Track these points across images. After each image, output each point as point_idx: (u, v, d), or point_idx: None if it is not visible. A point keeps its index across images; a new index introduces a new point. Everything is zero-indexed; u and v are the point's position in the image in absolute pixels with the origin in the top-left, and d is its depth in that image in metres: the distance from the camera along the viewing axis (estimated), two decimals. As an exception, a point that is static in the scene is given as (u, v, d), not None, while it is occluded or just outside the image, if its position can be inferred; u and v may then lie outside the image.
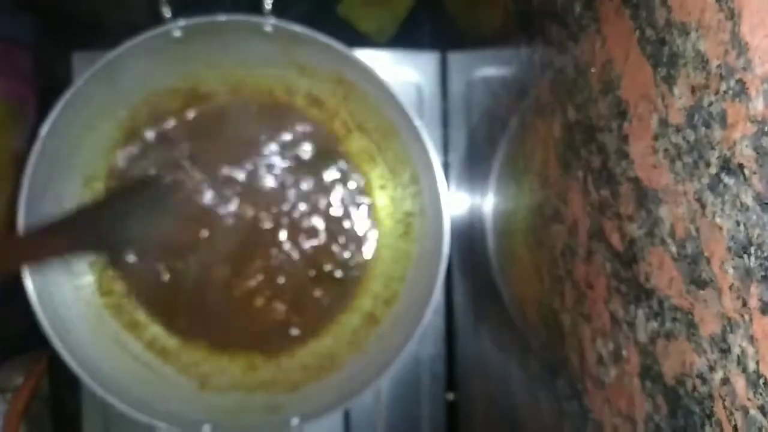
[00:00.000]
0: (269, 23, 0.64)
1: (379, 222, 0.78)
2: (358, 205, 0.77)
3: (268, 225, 0.76)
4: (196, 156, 0.75)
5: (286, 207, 0.76)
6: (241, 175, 0.76)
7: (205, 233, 0.75)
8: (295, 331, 0.77)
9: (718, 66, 0.27)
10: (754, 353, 0.26)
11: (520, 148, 0.59)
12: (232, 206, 0.76)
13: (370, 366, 0.71)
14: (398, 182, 0.77)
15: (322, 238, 0.77)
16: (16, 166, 0.67)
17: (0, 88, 0.78)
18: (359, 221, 0.77)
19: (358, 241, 0.78)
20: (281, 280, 0.76)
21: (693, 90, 0.29)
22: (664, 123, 0.32)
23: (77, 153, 0.70)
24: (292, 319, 0.77)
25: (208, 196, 0.76)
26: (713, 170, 0.28)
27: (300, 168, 0.77)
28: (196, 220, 0.75)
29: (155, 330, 0.75)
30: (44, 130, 0.63)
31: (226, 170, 0.76)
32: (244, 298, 0.76)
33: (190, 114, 0.75)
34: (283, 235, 0.76)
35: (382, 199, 0.78)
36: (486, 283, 0.73)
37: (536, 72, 0.53)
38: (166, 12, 0.64)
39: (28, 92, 0.81)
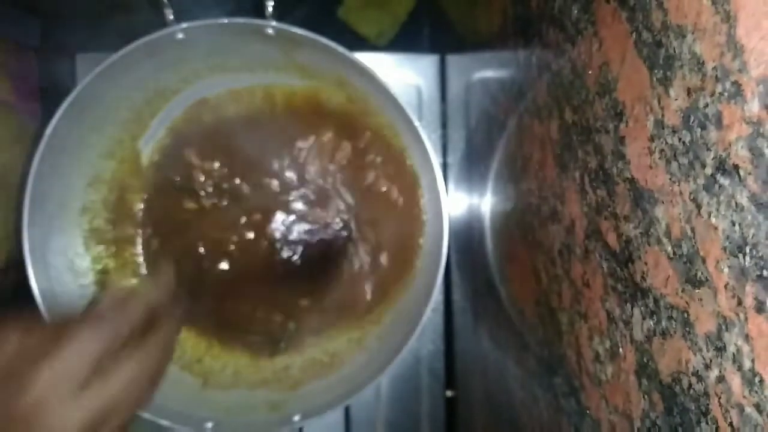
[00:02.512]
0: (271, 26, 0.64)
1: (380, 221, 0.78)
2: (359, 205, 0.78)
3: (272, 224, 0.77)
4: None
5: (290, 206, 0.77)
6: (248, 175, 0.76)
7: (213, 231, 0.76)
8: (296, 329, 0.77)
9: (714, 68, 0.27)
10: (749, 351, 0.26)
11: (518, 149, 0.59)
12: (242, 203, 0.77)
13: (371, 364, 0.71)
14: (398, 182, 0.77)
15: (325, 237, 0.77)
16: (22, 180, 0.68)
17: (14, 103, 0.78)
18: (361, 221, 0.78)
19: (361, 240, 0.78)
20: (285, 278, 0.77)
21: (689, 92, 0.29)
22: (660, 124, 0.32)
23: (81, 154, 0.70)
24: (295, 317, 0.77)
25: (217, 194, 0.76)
26: (709, 171, 0.28)
27: (304, 169, 0.77)
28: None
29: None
30: (48, 131, 0.63)
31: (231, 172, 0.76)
32: (247, 296, 0.77)
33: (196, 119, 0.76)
34: (287, 235, 0.77)
35: (383, 199, 0.78)
36: (484, 281, 0.73)
37: (534, 74, 0.53)
38: (169, 15, 0.64)
39: (36, 99, 0.81)
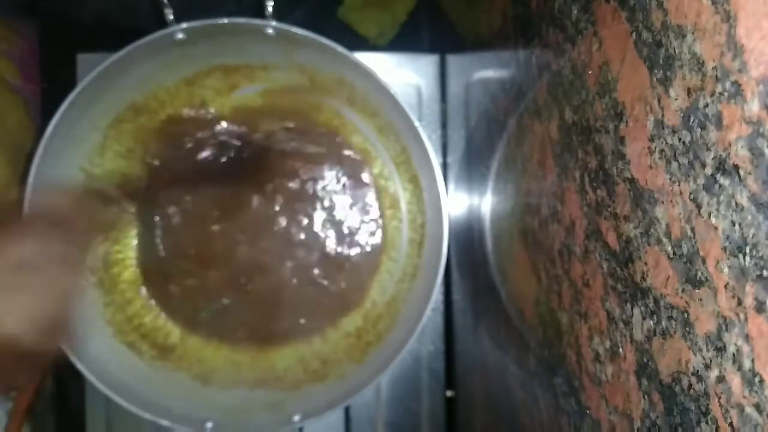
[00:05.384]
0: (270, 26, 0.64)
1: (380, 221, 0.78)
2: (360, 205, 0.78)
3: (277, 224, 0.77)
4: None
5: (294, 206, 0.77)
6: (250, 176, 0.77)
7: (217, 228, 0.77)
8: (297, 330, 0.77)
9: (714, 68, 0.27)
10: (749, 351, 0.26)
11: (518, 149, 0.59)
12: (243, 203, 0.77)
13: (370, 364, 0.71)
14: (398, 183, 0.77)
15: (326, 237, 0.78)
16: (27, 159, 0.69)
17: (21, 86, 0.79)
18: (362, 221, 0.78)
19: (361, 240, 0.78)
20: (287, 277, 0.77)
21: (689, 92, 0.29)
22: (660, 124, 0.32)
23: (81, 152, 0.70)
24: (296, 316, 0.77)
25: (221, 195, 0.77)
26: (709, 171, 0.28)
27: (305, 169, 0.77)
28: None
29: (159, 327, 0.75)
30: (48, 130, 0.63)
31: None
32: (249, 295, 0.77)
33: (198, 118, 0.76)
34: (290, 234, 0.77)
35: (383, 199, 0.78)
36: (484, 282, 0.73)
37: (534, 74, 0.53)
38: (169, 15, 0.64)
39: (37, 83, 0.83)
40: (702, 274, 0.29)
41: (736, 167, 0.26)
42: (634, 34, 0.35)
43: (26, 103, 0.81)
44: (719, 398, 0.28)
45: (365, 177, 0.78)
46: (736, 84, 0.26)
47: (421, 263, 0.75)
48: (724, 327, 0.28)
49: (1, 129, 0.78)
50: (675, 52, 0.30)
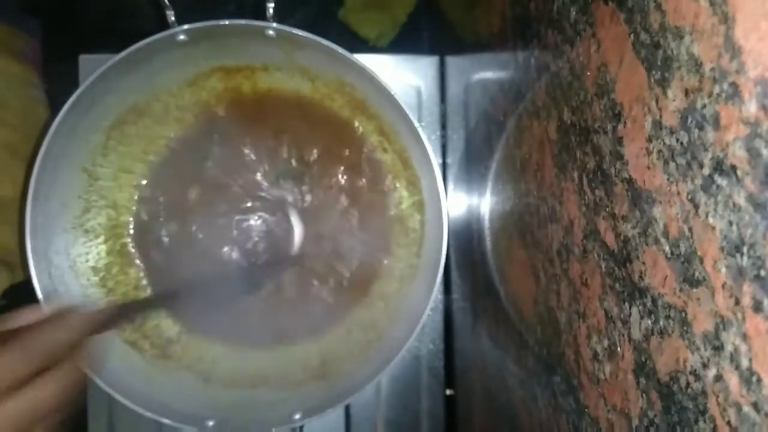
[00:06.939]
0: (271, 28, 0.64)
1: (380, 221, 0.78)
2: (360, 206, 0.78)
3: (280, 224, 0.77)
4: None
5: (296, 206, 0.77)
6: (251, 176, 0.77)
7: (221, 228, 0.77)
8: (298, 329, 0.77)
9: (712, 69, 0.27)
10: (746, 350, 0.26)
11: (517, 149, 0.59)
12: (247, 202, 0.77)
13: (370, 363, 0.71)
14: (399, 183, 0.77)
15: (328, 237, 0.78)
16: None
17: (36, 84, 0.79)
18: (362, 221, 0.78)
19: (362, 240, 0.78)
20: (287, 277, 0.77)
21: (687, 93, 0.29)
22: (658, 125, 0.32)
23: (83, 153, 0.70)
24: (296, 315, 0.77)
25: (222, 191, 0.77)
26: (706, 171, 0.28)
27: (308, 169, 0.77)
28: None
29: (161, 326, 0.75)
30: (51, 130, 0.63)
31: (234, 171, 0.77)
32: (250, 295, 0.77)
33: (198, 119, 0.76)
34: (292, 233, 0.77)
35: (383, 199, 0.78)
36: (484, 281, 0.73)
37: (533, 75, 0.53)
38: (171, 16, 0.64)
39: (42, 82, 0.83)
40: (699, 273, 0.29)
41: (733, 168, 0.26)
42: (632, 35, 0.35)
43: (49, 107, 0.81)
44: (717, 397, 0.28)
45: (365, 177, 0.78)
46: (734, 85, 0.26)
47: (420, 263, 0.75)
48: (721, 326, 0.28)
49: (32, 138, 0.78)
50: (673, 53, 0.31)
